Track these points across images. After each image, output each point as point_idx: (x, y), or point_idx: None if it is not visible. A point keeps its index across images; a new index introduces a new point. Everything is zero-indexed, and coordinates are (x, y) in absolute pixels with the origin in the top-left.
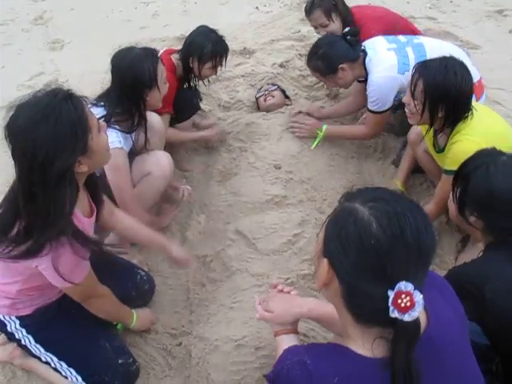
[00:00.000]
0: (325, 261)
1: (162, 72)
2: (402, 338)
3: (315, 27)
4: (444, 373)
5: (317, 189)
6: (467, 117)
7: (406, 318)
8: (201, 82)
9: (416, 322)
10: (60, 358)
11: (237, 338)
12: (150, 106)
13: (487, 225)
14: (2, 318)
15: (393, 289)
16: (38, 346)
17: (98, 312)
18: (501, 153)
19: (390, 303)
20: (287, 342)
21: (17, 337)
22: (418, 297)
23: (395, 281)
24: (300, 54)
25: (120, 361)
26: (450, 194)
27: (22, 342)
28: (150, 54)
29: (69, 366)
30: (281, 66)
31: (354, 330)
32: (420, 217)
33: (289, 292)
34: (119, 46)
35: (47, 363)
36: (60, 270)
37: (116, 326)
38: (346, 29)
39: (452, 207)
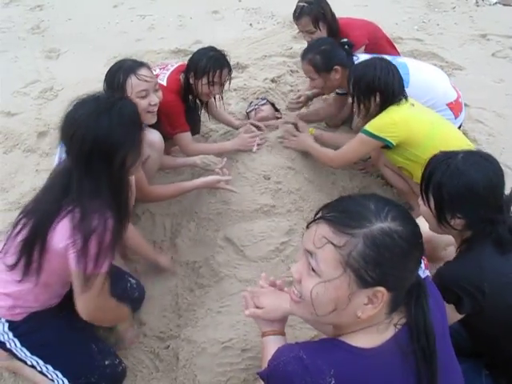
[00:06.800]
0: (382, 290)
1: (135, 86)
2: (421, 292)
3: (302, 32)
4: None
5: (304, 199)
6: (397, 101)
7: (427, 273)
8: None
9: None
10: (46, 362)
11: (224, 340)
12: None
13: (470, 221)
14: None
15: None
16: (24, 349)
17: (103, 323)
18: (454, 152)
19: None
20: (274, 342)
21: (1, 339)
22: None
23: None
24: (291, 70)
25: (106, 362)
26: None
27: (7, 345)
28: (129, 66)
29: (55, 369)
30: (272, 81)
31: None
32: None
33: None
34: (114, 56)
35: (33, 366)
36: (90, 251)
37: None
38: (344, 39)
39: (431, 221)
